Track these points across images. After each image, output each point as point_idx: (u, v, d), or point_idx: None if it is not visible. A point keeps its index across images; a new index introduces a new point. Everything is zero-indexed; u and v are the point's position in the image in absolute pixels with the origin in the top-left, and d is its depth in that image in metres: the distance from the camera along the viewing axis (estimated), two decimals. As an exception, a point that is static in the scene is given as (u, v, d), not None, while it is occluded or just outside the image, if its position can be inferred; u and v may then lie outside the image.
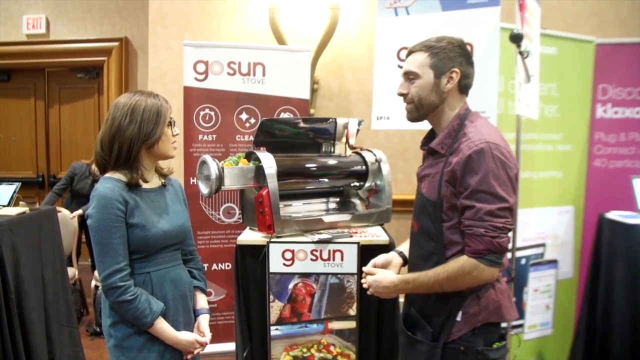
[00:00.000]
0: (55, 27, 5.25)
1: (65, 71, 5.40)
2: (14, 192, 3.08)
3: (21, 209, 2.98)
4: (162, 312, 1.79)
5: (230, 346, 3.06)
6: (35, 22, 5.27)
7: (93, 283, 3.92)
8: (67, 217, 4.01)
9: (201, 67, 3.38)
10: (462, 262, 1.64)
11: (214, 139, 3.42)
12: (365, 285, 1.87)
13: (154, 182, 1.90)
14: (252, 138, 3.33)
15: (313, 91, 3.87)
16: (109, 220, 1.72)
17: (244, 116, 3.44)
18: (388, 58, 2.78)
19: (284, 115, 3.42)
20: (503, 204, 1.61)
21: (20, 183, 3.14)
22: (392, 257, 1.98)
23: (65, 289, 3.23)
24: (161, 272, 1.84)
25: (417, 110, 1.78)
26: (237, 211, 3.42)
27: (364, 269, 1.93)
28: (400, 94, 1.80)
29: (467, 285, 1.68)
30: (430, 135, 1.91)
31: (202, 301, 2.03)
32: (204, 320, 1.98)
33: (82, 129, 5.41)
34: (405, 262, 1.97)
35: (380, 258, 1.97)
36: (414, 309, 1.84)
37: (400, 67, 2.73)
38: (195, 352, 1.89)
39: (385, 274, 1.85)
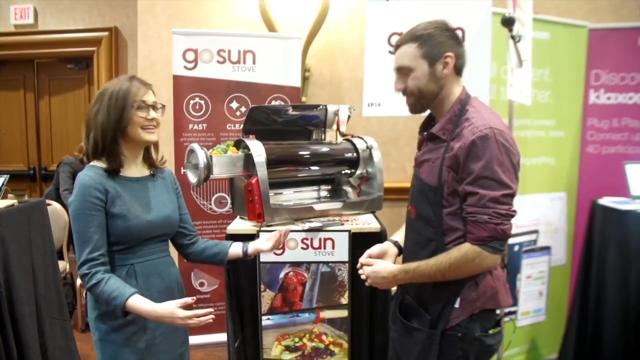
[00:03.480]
0: (43, 17, 5.18)
1: (55, 62, 5.34)
2: (2, 184, 3.05)
3: (9, 201, 2.95)
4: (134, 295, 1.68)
5: (224, 337, 3.05)
6: (23, 12, 5.19)
7: (79, 282, 3.88)
8: (58, 211, 3.98)
9: (190, 56, 3.34)
10: (465, 249, 1.62)
11: (205, 128, 3.39)
12: (363, 277, 1.83)
13: (141, 171, 1.86)
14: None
15: (304, 79, 3.83)
16: (85, 209, 1.69)
17: (234, 105, 3.41)
18: (379, 44, 2.75)
19: (275, 104, 3.39)
20: (507, 191, 1.59)
21: (8, 175, 3.10)
22: (388, 247, 1.95)
23: (56, 282, 3.20)
24: (146, 264, 1.81)
25: (419, 102, 1.75)
26: (229, 201, 3.39)
27: (361, 260, 1.88)
28: (399, 90, 1.77)
29: (469, 273, 1.67)
30: (429, 121, 1.89)
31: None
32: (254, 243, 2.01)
33: (72, 120, 5.35)
34: (401, 251, 1.95)
35: (376, 248, 1.93)
36: (409, 296, 1.82)
37: (391, 52, 2.70)
38: (192, 314, 1.61)
39: (384, 264, 1.81)
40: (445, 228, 1.70)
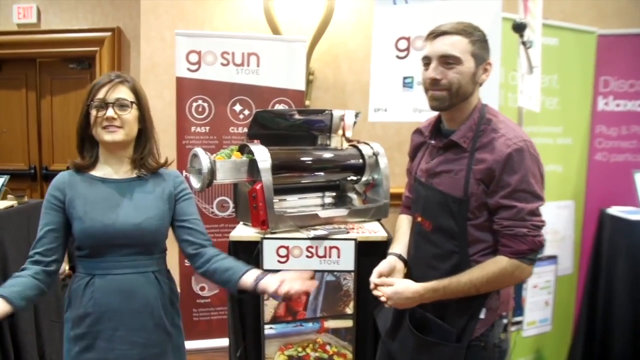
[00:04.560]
0: (46, 16, 5.09)
1: (57, 61, 5.24)
2: (2, 185, 2.97)
3: (9, 202, 2.87)
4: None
5: (224, 342, 2.98)
6: (26, 11, 5.11)
7: None
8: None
9: (194, 57, 3.26)
10: (504, 263, 1.58)
11: (207, 130, 3.31)
12: (382, 298, 1.70)
13: (125, 172, 1.73)
14: (246, 130, 3.24)
15: (308, 82, 3.75)
16: (45, 207, 1.66)
17: (237, 107, 3.33)
18: (386, 48, 2.66)
19: (279, 107, 3.31)
20: (540, 203, 1.58)
21: (8, 176, 3.03)
22: (395, 262, 1.83)
23: (55, 284, 3.12)
24: (107, 278, 1.64)
25: (451, 99, 1.64)
26: (231, 205, 3.32)
27: (374, 280, 1.75)
28: (433, 79, 1.64)
29: (506, 285, 1.66)
30: (435, 127, 1.81)
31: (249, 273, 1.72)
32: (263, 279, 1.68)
33: (74, 120, 5.04)
34: (405, 264, 1.87)
35: (385, 265, 1.80)
36: (423, 310, 1.73)
37: (399, 57, 2.63)
38: None
39: (406, 284, 1.69)
40: (469, 240, 1.64)
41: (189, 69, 3.26)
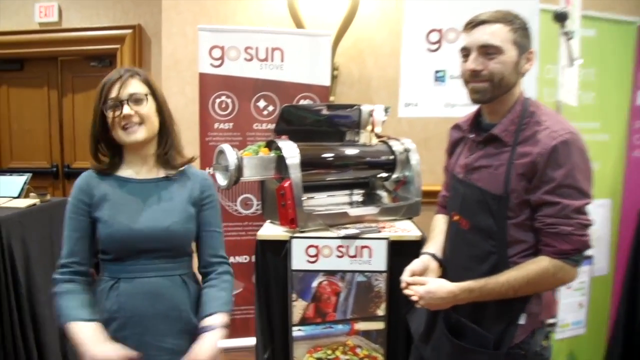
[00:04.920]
0: (67, 14, 5.04)
1: (79, 60, 5.20)
2: (25, 183, 2.92)
3: (31, 200, 2.81)
4: (83, 320, 1.47)
5: (247, 341, 2.91)
6: (47, 10, 5.07)
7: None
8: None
9: (217, 53, 3.18)
10: (545, 264, 1.46)
11: (231, 127, 3.22)
12: (414, 298, 1.61)
13: (151, 172, 1.64)
14: (270, 126, 3.15)
15: (333, 78, 3.65)
16: (69, 211, 1.57)
17: (261, 103, 3.23)
18: (417, 41, 2.57)
19: (304, 103, 3.22)
20: (587, 200, 1.46)
21: (31, 174, 2.98)
22: (428, 261, 1.74)
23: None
24: (134, 282, 1.55)
25: (493, 90, 1.54)
26: (255, 202, 3.23)
27: (406, 279, 1.67)
28: (473, 71, 1.54)
29: (548, 288, 1.54)
30: (475, 121, 1.70)
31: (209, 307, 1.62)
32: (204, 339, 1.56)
33: (96, 118, 5.22)
34: (440, 264, 1.76)
35: (418, 264, 1.72)
36: (458, 314, 1.63)
37: (431, 50, 2.52)
38: None
39: (440, 283, 1.60)
40: (509, 240, 1.53)
41: (212, 65, 3.17)
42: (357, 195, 2.57)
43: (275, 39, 3.21)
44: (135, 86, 1.55)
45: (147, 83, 1.59)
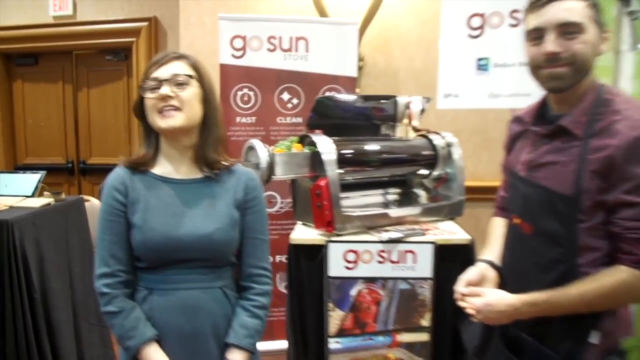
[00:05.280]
0: (82, 7, 4.83)
1: (93, 53, 4.98)
2: (38, 181, 2.69)
3: (46, 199, 2.59)
4: (154, 341, 1.34)
5: (275, 344, 2.70)
6: (61, 3, 4.88)
7: (95, 273, 3.49)
8: (96, 207, 3.62)
9: (238, 43, 2.94)
10: (624, 275, 1.23)
11: (254, 121, 2.98)
12: (470, 311, 1.39)
13: (190, 171, 1.41)
14: (294, 120, 2.92)
15: (358, 69, 3.40)
16: (104, 212, 1.36)
17: (285, 96, 2.99)
18: (457, 27, 2.31)
19: (330, 95, 2.97)
20: None
21: (45, 172, 2.75)
22: (485, 270, 1.50)
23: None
24: (169, 294, 1.35)
25: (575, 75, 1.29)
26: (279, 200, 2.99)
27: (461, 289, 1.45)
28: (552, 54, 1.29)
29: (626, 302, 1.32)
30: (539, 111, 1.46)
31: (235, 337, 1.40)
32: None
33: (111, 113, 5.00)
34: (499, 273, 1.52)
35: (473, 273, 1.49)
36: (517, 329, 1.40)
37: (472, 36, 2.27)
38: None
39: (500, 295, 1.38)
40: (579, 247, 1.28)
41: (233, 56, 2.93)
42: (393, 195, 2.31)
43: (299, 28, 2.97)
44: (179, 67, 1.34)
45: (195, 67, 1.38)
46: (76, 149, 5.14)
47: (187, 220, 1.34)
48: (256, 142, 1.84)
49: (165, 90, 1.29)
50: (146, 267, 1.36)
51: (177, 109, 1.31)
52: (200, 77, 1.37)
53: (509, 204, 1.55)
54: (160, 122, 1.32)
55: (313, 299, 1.96)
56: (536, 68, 1.35)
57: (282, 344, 2.16)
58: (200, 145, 1.39)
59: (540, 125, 1.44)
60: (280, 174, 1.85)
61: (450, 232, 2.01)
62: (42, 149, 5.17)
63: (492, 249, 1.56)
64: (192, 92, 1.33)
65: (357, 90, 3.32)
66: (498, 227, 1.61)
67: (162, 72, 1.31)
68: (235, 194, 1.41)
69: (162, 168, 1.40)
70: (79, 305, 2.68)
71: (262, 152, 1.81)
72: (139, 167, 1.39)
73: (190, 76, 1.33)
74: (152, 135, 1.39)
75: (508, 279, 1.49)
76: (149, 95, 1.31)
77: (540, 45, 1.32)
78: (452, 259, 1.89)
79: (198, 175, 1.41)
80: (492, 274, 1.50)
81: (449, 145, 2.21)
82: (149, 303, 1.35)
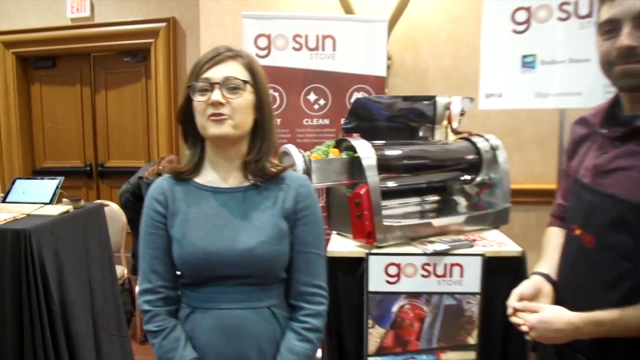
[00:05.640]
0: (99, 9, 4.73)
1: (111, 55, 4.87)
2: (56, 187, 2.55)
3: (64, 207, 2.45)
4: None
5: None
6: (79, 5, 4.77)
7: (137, 289, 3.35)
8: (115, 212, 3.48)
9: (263, 42, 2.78)
10: None
11: (279, 123, 2.81)
12: (524, 328, 1.23)
13: (236, 179, 1.26)
14: (321, 122, 2.77)
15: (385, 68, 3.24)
16: (145, 225, 1.26)
17: (312, 97, 2.83)
18: (500, 22, 2.13)
19: (358, 96, 2.80)
20: None
21: (63, 178, 2.61)
22: (540, 283, 1.33)
23: (114, 294, 2.73)
24: (211, 313, 1.22)
25: None
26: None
27: (514, 304, 1.28)
28: (629, 48, 1.12)
29: None
30: (609, 112, 1.29)
31: None
32: None
33: (129, 115, 4.89)
34: (555, 288, 1.35)
35: (528, 287, 1.32)
36: (575, 350, 1.23)
37: (517, 32, 2.09)
38: None
39: (558, 311, 1.21)
40: None
41: (257, 55, 2.77)
42: (432, 202, 2.14)
43: (326, 26, 2.81)
44: (234, 69, 1.19)
45: (250, 69, 1.22)
46: (94, 152, 5.04)
47: (229, 233, 1.20)
48: (291, 148, 1.68)
49: (217, 95, 1.15)
50: (188, 283, 1.25)
51: (227, 116, 1.17)
52: (256, 81, 1.22)
53: (570, 213, 1.37)
54: (210, 129, 1.18)
55: (351, 315, 1.80)
56: (608, 65, 1.18)
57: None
58: (249, 153, 1.24)
59: (610, 127, 1.26)
60: (317, 181, 1.69)
61: (500, 242, 1.83)
62: (60, 152, 5.07)
63: (548, 262, 1.40)
64: (245, 99, 1.19)
65: (385, 90, 3.16)
66: (554, 238, 1.44)
67: (215, 73, 1.16)
68: (284, 203, 1.25)
69: (206, 177, 1.26)
70: (98, 316, 2.55)
71: (298, 158, 1.66)
72: (181, 175, 1.26)
73: (245, 81, 1.19)
74: (197, 141, 1.26)
75: (565, 295, 1.32)
76: (198, 98, 1.17)
77: (614, 39, 1.15)
78: (500, 272, 1.72)
79: (244, 183, 1.26)
80: (548, 289, 1.34)
81: (493, 148, 2.03)
82: (191, 322, 1.24)
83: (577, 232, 1.28)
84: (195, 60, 1.22)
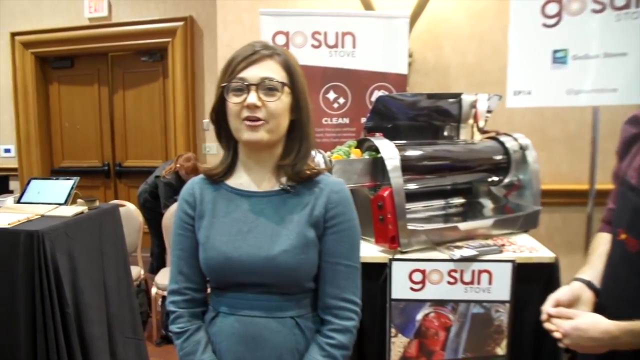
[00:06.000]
0: (117, 9, 4.70)
1: (129, 55, 4.84)
2: (72, 188, 2.49)
3: (78, 208, 2.38)
4: None
5: None
6: (97, 5, 4.75)
7: (154, 291, 3.29)
8: (132, 212, 3.42)
9: (281, 39, 2.70)
10: None
11: (297, 123, 2.74)
12: (557, 334, 1.14)
13: (269, 182, 1.18)
14: (341, 121, 2.68)
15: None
16: (176, 226, 1.21)
17: (331, 95, 2.75)
18: (529, 17, 2.01)
19: (379, 94, 2.71)
20: None
21: (78, 178, 2.55)
22: (580, 290, 1.23)
23: (130, 296, 2.66)
24: (233, 319, 1.15)
25: None
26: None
27: (548, 309, 1.19)
28: None
29: None
30: None
31: None
32: None
33: (147, 114, 4.85)
34: (597, 296, 1.25)
35: (565, 292, 1.22)
36: None
37: (547, 25, 1.97)
38: None
39: (594, 319, 1.12)
40: None
41: (274, 53, 2.70)
42: (457, 205, 2.04)
43: (346, 23, 2.73)
44: (271, 69, 1.10)
45: (288, 68, 1.13)
46: (112, 152, 5.02)
47: (252, 239, 1.12)
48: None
49: (253, 98, 1.07)
50: (214, 286, 1.20)
51: (262, 121, 1.09)
52: (293, 80, 1.13)
53: (615, 216, 1.27)
54: (245, 135, 1.10)
55: (373, 323, 1.70)
56: None
57: None
58: (286, 157, 1.16)
59: None
60: (337, 183, 1.60)
61: (531, 248, 1.72)
62: (78, 151, 5.06)
63: (592, 268, 1.29)
64: (282, 101, 1.10)
65: (407, 88, 3.06)
66: (602, 244, 1.33)
67: (251, 73, 1.08)
68: (313, 210, 1.15)
69: (238, 179, 1.19)
70: (113, 318, 2.49)
71: (319, 159, 1.56)
72: (213, 177, 1.19)
73: (283, 84, 1.10)
74: (230, 142, 1.18)
75: (606, 303, 1.21)
76: (233, 99, 1.09)
77: None
78: (533, 280, 1.62)
79: (276, 187, 1.18)
80: (588, 296, 1.23)
81: (522, 148, 1.92)
82: (214, 326, 1.19)
83: (622, 236, 1.18)
84: (229, 57, 1.13)
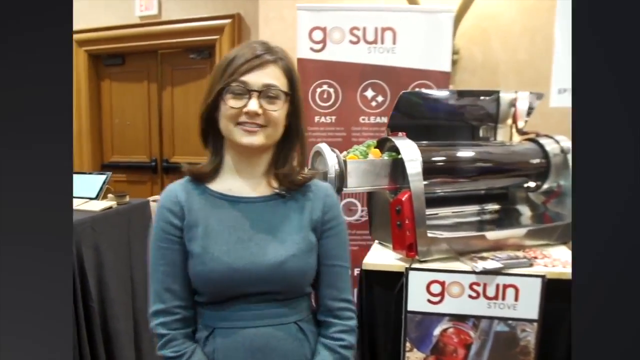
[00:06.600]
0: (166, 7, 4.82)
1: (178, 52, 4.94)
2: (104, 182, 2.55)
3: (107, 203, 2.43)
4: None
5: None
6: (147, 3, 4.89)
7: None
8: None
9: (318, 35, 2.65)
10: None
11: (333, 121, 2.67)
12: None
13: (257, 188, 1.16)
14: (379, 120, 2.59)
15: (452, 63, 3.02)
16: (156, 239, 1.13)
17: (369, 93, 2.66)
18: (577, 8, 1.87)
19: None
20: None
21: (110, 173, 2.63)
22: None
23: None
24: (234, 334, 1.11)
25: None
26: (360, 208, 2.67)
27: None
28: None
29: None
30: None
31: None
32: None
33: (194, 112, 4.86)
34: None
35: None
36: None
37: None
38: None
39: None
40: None
41: (312, 49, 2.65)
42: (491, 212, 1.92)
43: (386, 18, 2.63)
44: (274, 75, 1.09)
45: (289, 74, 1.13)
46: (160, 148, 5.13)
47: (255, 247, 1.10)
48: (324, 147, 1.53)
49: (254, 106, 1.06)
50: (206, 301, 1.14)
51: (261, 126, 1.08)
52: (293, 88, 1.12)
53: None
54: (242, 137, 1.08)
55: (387, 336, 1.63)
56: None
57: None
58: (280, 164, 1.15)
59: None
60: (352, 185, 1.53)
61: (565, 262, 1.59)
62: (127, 147, 5.20)
63: None
64: (282, 109, 1.10)
65: (451, 86, 2.95)
66: None
67: (254, 78, 1.06)
68: (312, 214, 1.15)
69: (223, 184, 1.16)
70: (140, 314, 2.53)
71: (331, 158, 1.50)
72: (202, 178, 1.16)
73: (285, 93, 1.09)
74: (218, 143, 1.16)
75: None
76: (231, 102, 1.07)
77: None
78: (564, 297, 1.48)
79: (267, 192, 1.16)
80: None
81: (563, 151, 1.78)
82: (211, 344, 1.13)
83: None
84: (228, 56, 1.10)
